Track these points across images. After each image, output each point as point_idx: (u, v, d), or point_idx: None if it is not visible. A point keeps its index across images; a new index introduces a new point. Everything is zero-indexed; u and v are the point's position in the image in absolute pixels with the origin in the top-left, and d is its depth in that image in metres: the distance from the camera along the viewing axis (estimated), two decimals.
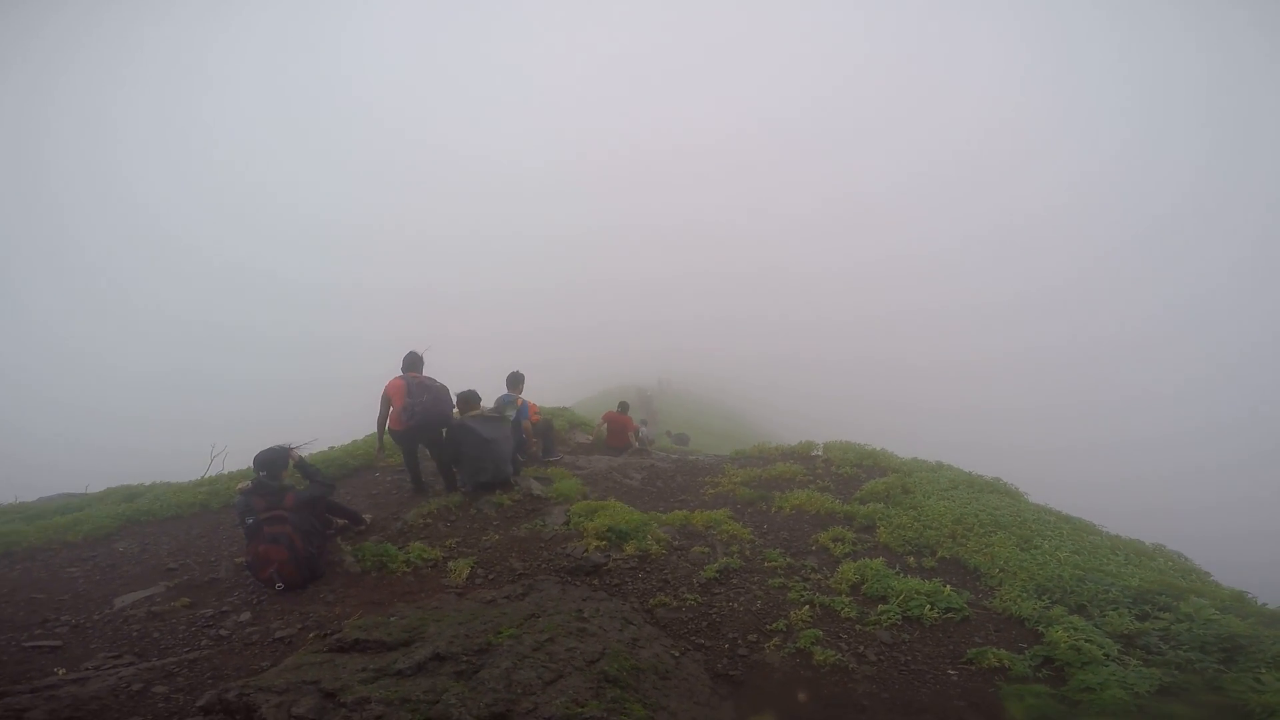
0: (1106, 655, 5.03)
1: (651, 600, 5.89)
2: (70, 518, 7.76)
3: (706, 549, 7.16)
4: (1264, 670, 4.73)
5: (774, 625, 5.58)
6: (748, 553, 7.22)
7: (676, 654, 5.03)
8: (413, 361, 8.93)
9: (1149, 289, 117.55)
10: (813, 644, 5.21)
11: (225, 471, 10.63)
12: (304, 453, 8.21)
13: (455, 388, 9.34)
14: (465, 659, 4.32)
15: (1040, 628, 5.63)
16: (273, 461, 6.38)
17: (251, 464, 6.54)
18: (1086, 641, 5.16)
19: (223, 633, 5.25)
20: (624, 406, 15.31)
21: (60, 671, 4.60)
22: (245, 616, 5.54)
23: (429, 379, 8.73)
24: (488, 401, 10.13)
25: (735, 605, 5.95)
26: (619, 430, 14.49)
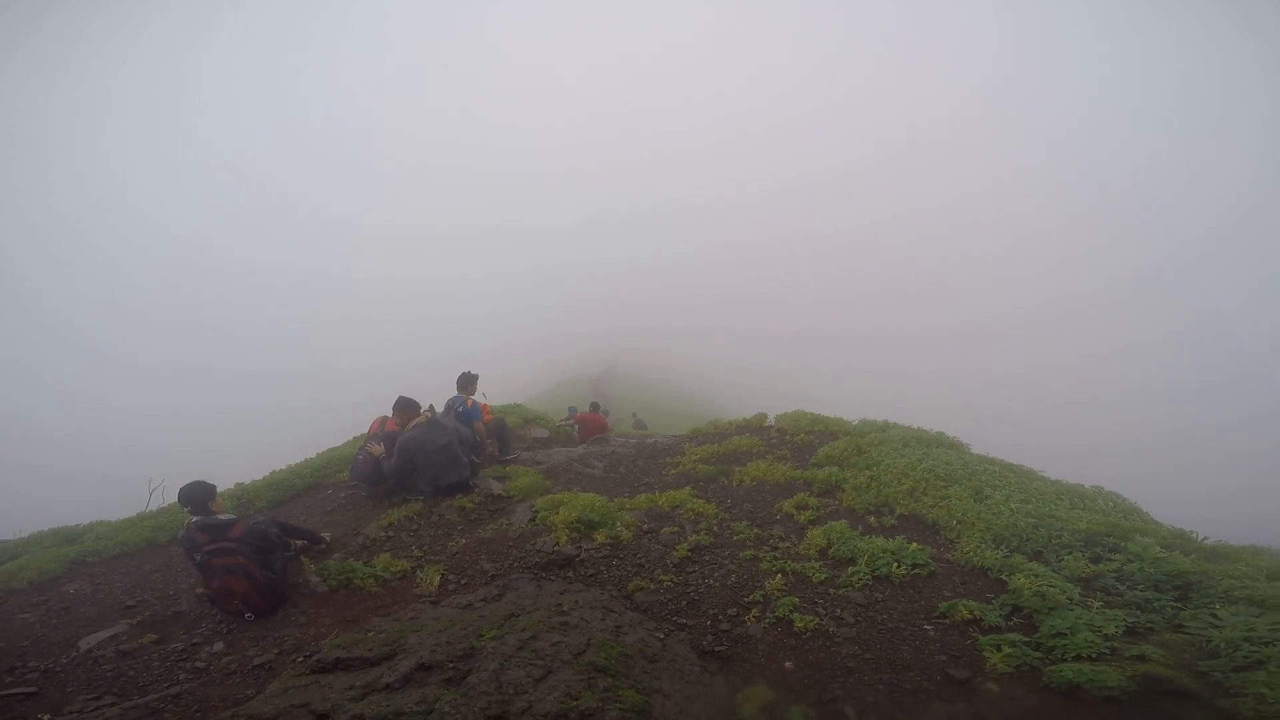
0: (1070, 600, 5.23)
1: (629, 586, 5.94)
2: (12, 564, 7.36)
3: (676, 529, 7.23)
4: (1218, 606, 4.95)
5: (751, 597, 5.69)
6: (716, 528, 7.32)
7: (661, 636, 5.09)
8: (402, 405, 9.30)
9: (1125, 249, 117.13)
10: (791, 611, 5.34)
11: (167, 504, 10.20)
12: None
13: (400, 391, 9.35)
14: (451, 666, 4.29)
15: (1003, 576, 5.83)
16: (194, 495, 6.12)
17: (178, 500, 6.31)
18: (1049, 587, 5.36)
19: (199, 665, 5.09)
20: (595, 406, 15.46)
21: (44, 718, 4.48)
22: (219, 647, 5.37)
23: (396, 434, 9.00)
24: (439, 404, 10.06)
25: (711, 581, 6.04)
26: (593, 428, 14.50)
